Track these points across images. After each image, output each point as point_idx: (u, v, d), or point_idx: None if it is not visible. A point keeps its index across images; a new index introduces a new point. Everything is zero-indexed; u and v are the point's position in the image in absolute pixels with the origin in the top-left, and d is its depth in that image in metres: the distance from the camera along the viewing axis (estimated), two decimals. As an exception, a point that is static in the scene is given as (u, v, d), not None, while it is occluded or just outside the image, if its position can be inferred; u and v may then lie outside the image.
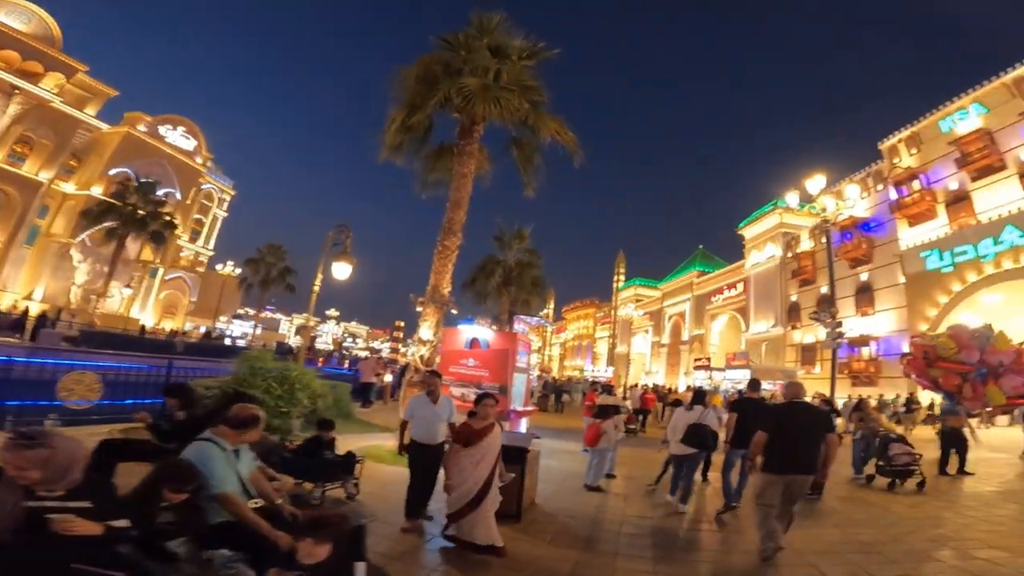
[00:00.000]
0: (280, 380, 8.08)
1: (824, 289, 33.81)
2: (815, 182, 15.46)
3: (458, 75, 10.93)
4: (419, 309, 8.96)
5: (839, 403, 17.42)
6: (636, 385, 31.29)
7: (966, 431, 10.19)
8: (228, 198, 58.92)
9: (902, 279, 27.72)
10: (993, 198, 23.46)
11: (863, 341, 29.38)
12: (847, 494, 8.11)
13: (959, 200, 25.21)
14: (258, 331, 42.39)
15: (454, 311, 10.57)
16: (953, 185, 25.50)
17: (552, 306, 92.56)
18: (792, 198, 18.37)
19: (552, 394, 24.57)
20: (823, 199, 15.86)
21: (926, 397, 21.19)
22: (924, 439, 11.57)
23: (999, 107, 23.55)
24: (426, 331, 8.81)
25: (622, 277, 70.43)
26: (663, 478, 7.69)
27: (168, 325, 45.78)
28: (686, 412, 7.10)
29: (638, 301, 63.50)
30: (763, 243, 41.26)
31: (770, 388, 23.14)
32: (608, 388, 16.38)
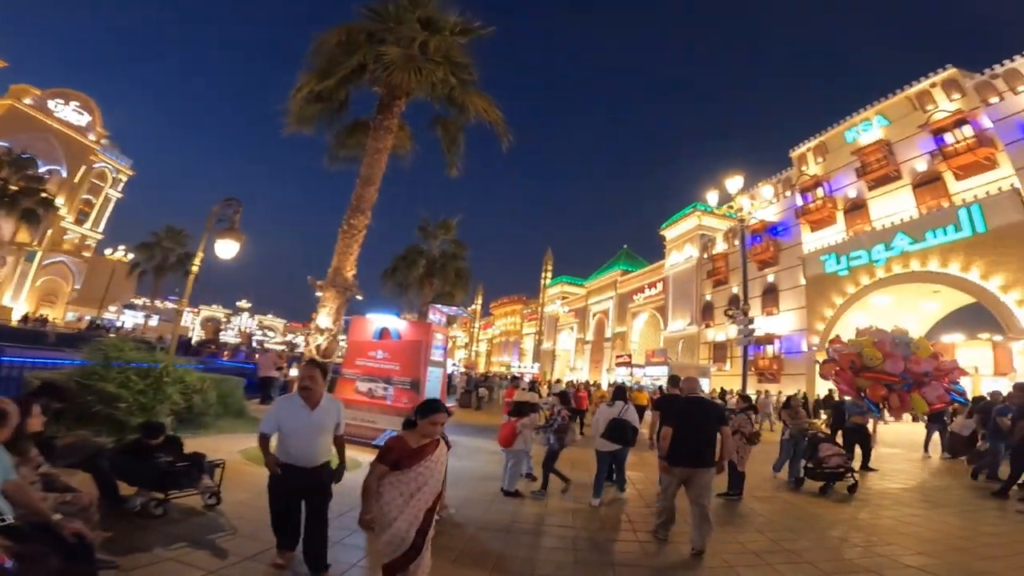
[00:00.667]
0: (143, 373, 6.81)
1: (736, 289, 35.55)
2: (734, 182, 15.87)
3: (381, 45, 10.03)
4: (319, 294, 7.91)
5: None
6: (559, 381, 31.27)
7: (869, 428, 10.51)
8: (124, 178, 53.30)
9: (803, 281, 29.55)
10: (887, 206, 25.38)
11: (768, 339, 31.07)
12: (770, 495, 7.80)
13: (857, 208, 27.15)
14: (153, 322, 38.25)
15: (359, 297, 9.60)
16: (852, 193, 27.42)
17: (480, 301, 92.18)
18: (712, 197, 18.84)
19: (474, 390, 23.84)
20: (740, 199, 16.30)
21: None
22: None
23: (900, 119, 25.39)
24: (324, 318, 7.75)
25: (549, 274, 71.16)
26: (567, 484, 7.10)
27: (47, 315, 40.58)
28: (608, 408, 6.91)
29: (564, 298, 64.43)
30: (682, 244, 42.85)
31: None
32: (532, 384, 15.78)
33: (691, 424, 4.92)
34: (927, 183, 23.74)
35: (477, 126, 11.12)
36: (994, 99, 21.19)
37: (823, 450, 7.90)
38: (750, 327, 14.93)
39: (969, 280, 21.11)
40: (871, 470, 10.07)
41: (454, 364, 75.97)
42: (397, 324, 10.72)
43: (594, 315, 57.14)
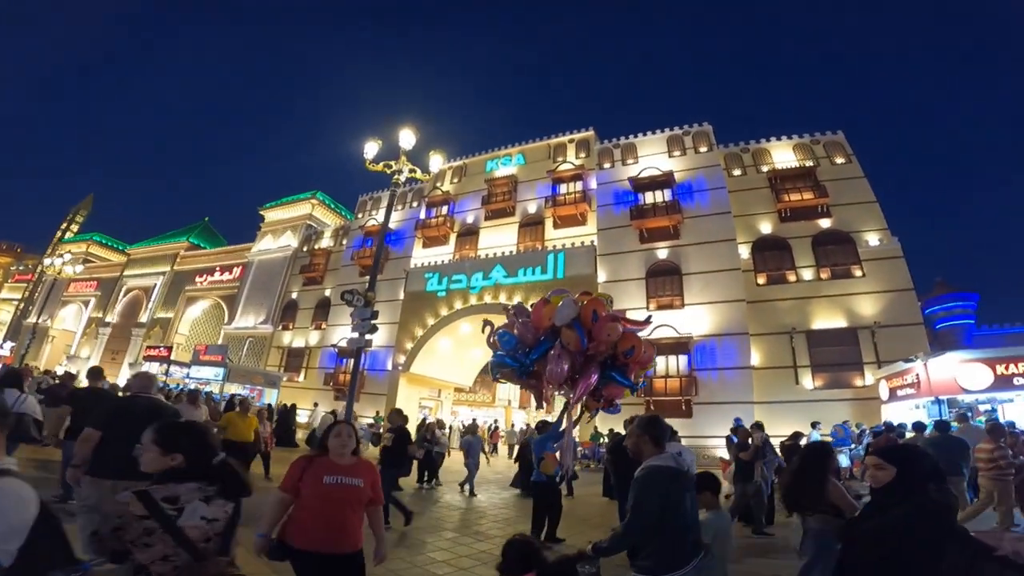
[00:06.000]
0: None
1: (328, 292, 31.66)
2: (406, 135, 11.80)
3: None
4: None
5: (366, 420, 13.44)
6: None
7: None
8: None
9: (402, 296, 28.22)
10: (496, 238, 26.88)
11: (351, 352, 27.97)
12: None
13: (471, 233, 28.00)
14: None
15: None
16: (471, 219, 28.30)
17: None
18: (371, 147, 14.46)
19: None
20: (404, 165, 12.56)
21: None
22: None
23: (535, 163, 27.78)
24: None
25: (77, 227, 50.86)
26: None
27: None
28: None
29: (88, 262, 46.30)
30: (283, 230, 36.77)
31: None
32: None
33: (131, 428, 3.48)
34: (532, 224, 26.30)
35: None
36: (608, 165, 25.28)
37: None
38: (371, 323, 10.16)
39: (541, 318, 23.41)
40: (559, 541, 6.85)
41: None
42: None
43: (128, 290, 42.53)
